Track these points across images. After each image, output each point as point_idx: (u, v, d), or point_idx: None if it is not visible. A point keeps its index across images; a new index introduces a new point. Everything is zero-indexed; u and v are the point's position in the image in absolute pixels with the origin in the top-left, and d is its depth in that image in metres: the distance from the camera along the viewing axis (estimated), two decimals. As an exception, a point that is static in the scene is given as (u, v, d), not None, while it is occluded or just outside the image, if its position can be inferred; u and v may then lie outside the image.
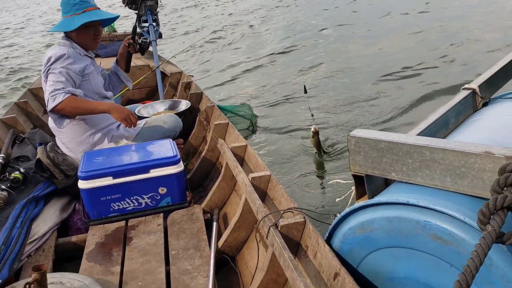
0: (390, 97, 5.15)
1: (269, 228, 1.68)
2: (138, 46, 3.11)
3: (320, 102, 5.26)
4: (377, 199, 1.40)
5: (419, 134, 1.64)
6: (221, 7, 16.41)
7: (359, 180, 1.54)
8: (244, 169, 2.28)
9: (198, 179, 2.87)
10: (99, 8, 2.67)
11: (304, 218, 1.71)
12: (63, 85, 2.37)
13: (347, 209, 1.47)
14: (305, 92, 3.61)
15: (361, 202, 1.42)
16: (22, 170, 2.45)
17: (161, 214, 2.31)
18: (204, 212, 2.36)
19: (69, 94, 2.36)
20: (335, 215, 1.62)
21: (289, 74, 6.83)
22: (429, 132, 1.70)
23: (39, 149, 2.51)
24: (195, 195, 2.73)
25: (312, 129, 3.59)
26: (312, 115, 3.69)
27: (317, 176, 3.44)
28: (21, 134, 3.00)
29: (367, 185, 1.52)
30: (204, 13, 15.54)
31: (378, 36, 8.25)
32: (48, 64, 2.45)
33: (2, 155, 2.56)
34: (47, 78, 2.44)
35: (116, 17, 2.80)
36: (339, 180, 1.75)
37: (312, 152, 3.93)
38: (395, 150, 1.41)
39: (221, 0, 17.79)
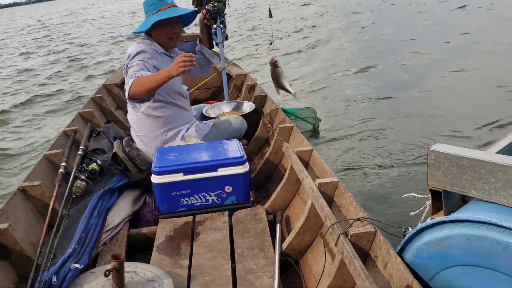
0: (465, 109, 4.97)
1: (339, 236, 1.69)
2: (208, 13, 3.12)
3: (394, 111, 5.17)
4: (457, 215, 1.38)
5: (498, 152, 1.59)
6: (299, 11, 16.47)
7: (436, 195, 1.52)
8: (309, 174, 2.30)
9: (260, 180, 2.92)
10: (175, 6, 2.70)
11: (374, 228, 1.71)
12: (138, 72, 2.42)
13: (423, 224, 1.46)
14: (270, 16, 3.19)
15: (438, 218, 1.41)
16: (99, 162, 2.60)
17: (226, 212, 2.38)
18: (267, 213, 2.41)
19: (136, 77, 2.37)
20: (407, 229, 1.61)
21: (358, 78, 6.71)
22: (509, 150, 1.65)
23: (116, 143, 2.66)
24: (257, 195, 2.78)
25: (270, 59, 2.85)
26: (271, 43, 3.09)
27: (388, 187, 3.39)
28: (97, 128, 3.17)
29: (444, 201, 1.50)
30: (277, 17, 15.69)
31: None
32: (128, 59, 2.56)
33: (82, 147, 2.72)
34: (127, 73, 2.53)
35: (190, 12, 2.75)
36: (413, 194, 1.73)
37: (383, 160, 3.85)
38: (478, 167, 1.38)
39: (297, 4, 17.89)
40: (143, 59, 2.52)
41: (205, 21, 3.03)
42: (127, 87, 2.42)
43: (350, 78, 6.95)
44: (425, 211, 1.62)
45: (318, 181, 2.12)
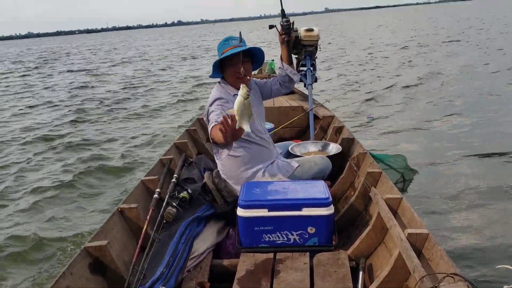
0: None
1: None
2: (281, 27, 3.16)
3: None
4: None
5: None
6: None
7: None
8: (397, 222, 2.23)
9: (343, 224, 2.87)
10: (239, 46, 2.67)
11: (468, 286, 1.61)
12: (217, 117, 2.51)
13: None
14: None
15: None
16: (189, 190, 2.73)
17: (307, 253, 2.35)
18: (350, 259, 2.35)
19: (216, 123, 2.44)
20: None
21: (461, 130, 6.38)
22: None
23: (206, 174, 2.79)
24: (338, 239, 2.73)
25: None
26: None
27: (484, 247, 3.14)
28: (189, 158, 3.36)
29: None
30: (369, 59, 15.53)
31: None
32: (208, 106, 2.71)
33: (176, 175, 2.89)
34: (208, 120, 2.62)
35: (250, 48, 2.68)
36: (508, 267, 1.60)
37: (482, 217, 3.55)
38: None
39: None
40: (221, 104, 2.65)
41: (281, 36, 3.11)
42: (209, 132, 2.52)
43: (451, 123, 6.63)
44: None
45: (408, 231, 2.04)
